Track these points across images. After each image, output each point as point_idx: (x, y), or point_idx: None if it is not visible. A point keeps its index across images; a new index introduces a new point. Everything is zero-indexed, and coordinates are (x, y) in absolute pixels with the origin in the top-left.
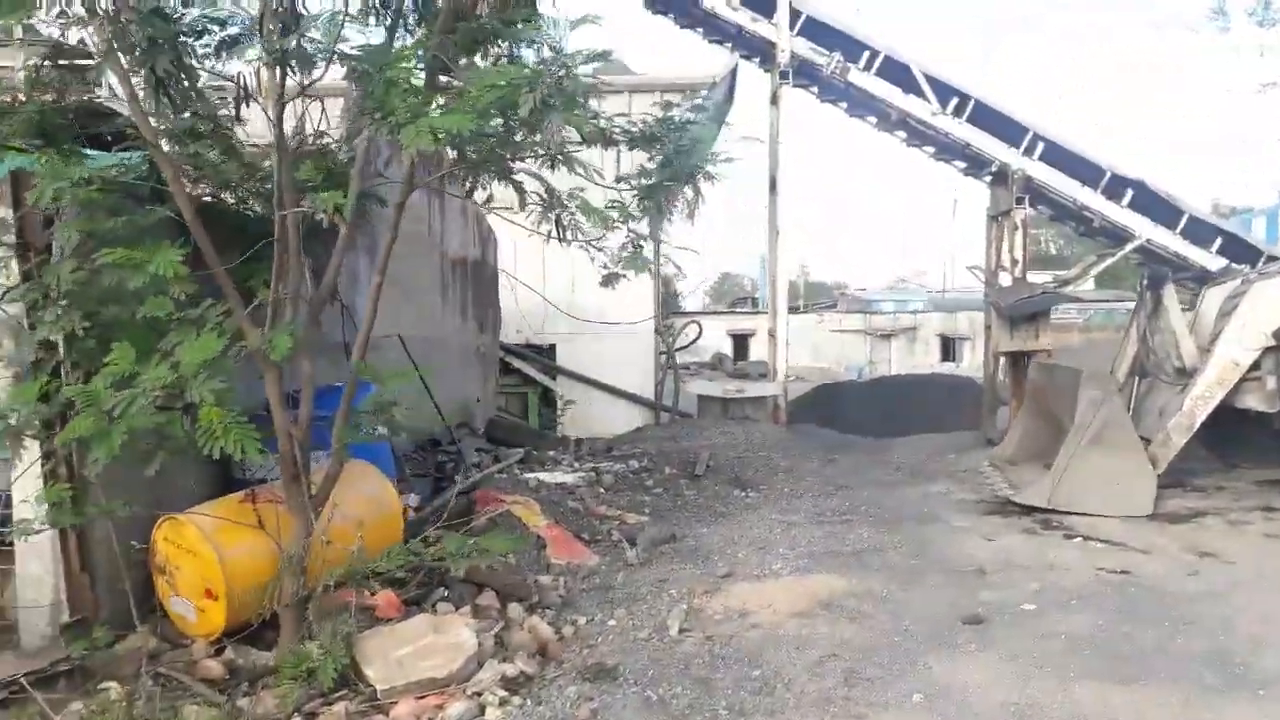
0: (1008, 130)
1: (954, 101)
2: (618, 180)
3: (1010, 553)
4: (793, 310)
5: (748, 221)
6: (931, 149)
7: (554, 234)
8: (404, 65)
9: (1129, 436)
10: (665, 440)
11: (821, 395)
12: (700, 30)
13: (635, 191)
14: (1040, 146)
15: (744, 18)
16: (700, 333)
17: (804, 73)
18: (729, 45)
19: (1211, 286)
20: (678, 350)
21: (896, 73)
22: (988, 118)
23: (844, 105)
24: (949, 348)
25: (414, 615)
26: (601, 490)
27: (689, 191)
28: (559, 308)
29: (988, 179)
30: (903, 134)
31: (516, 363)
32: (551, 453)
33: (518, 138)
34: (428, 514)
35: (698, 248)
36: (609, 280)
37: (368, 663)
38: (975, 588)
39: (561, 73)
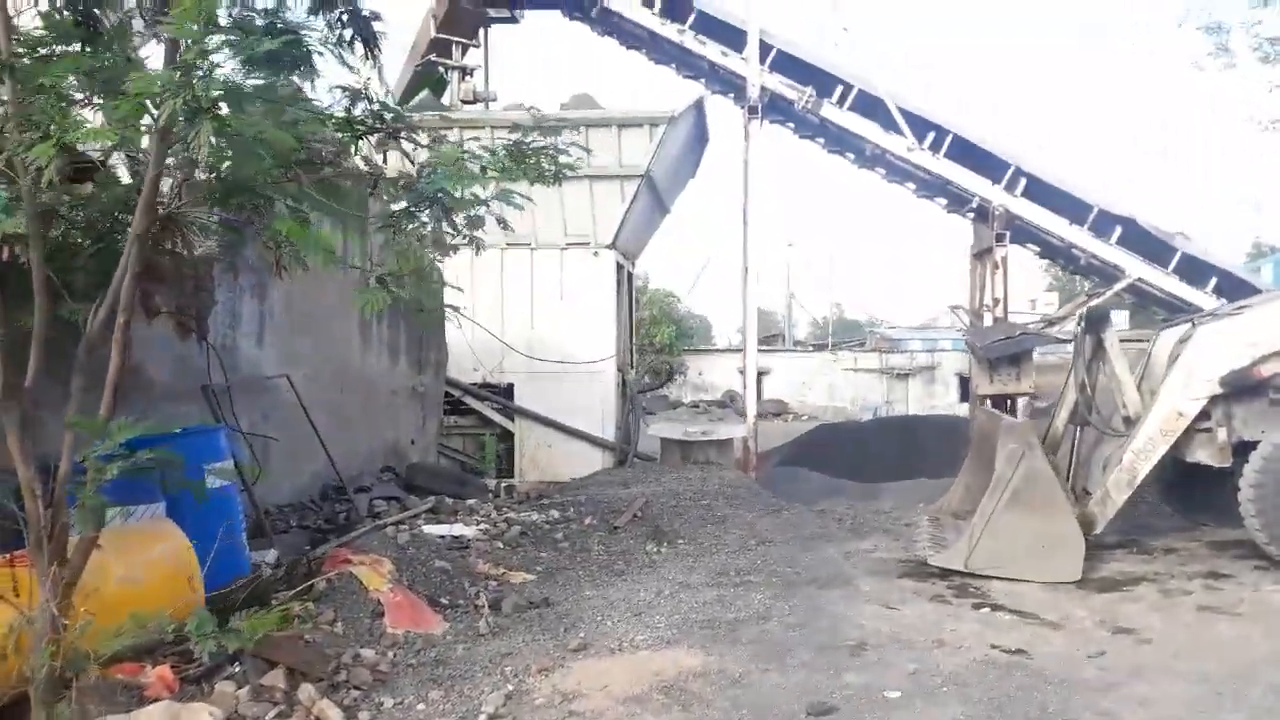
0: (989, 165)
1: (931, 135)
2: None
3: (903, 625)
4: (819, 348)
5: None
6: (913, 185)
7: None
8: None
9: (1053, 494)
10: (611, 486)
11: (820, 436)
12: (674, 66)
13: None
14: (1023, 181)
15: (713, 52)
16: (672, 372)
17: (778, 108)
18: (703, 81)
19: (1165, 328)
20: (648, 391)
21: (872, 107)
22: (967, 151)
23: (821, 141)
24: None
25: (190, 692)
26: (500, 545)
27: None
28: (513, 347)
29: (970, 216)
30: (882, 170)
31: (473, 403)
32: (472, 501)
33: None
34: (275, 576)
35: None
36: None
37: None
38: (843, 668)
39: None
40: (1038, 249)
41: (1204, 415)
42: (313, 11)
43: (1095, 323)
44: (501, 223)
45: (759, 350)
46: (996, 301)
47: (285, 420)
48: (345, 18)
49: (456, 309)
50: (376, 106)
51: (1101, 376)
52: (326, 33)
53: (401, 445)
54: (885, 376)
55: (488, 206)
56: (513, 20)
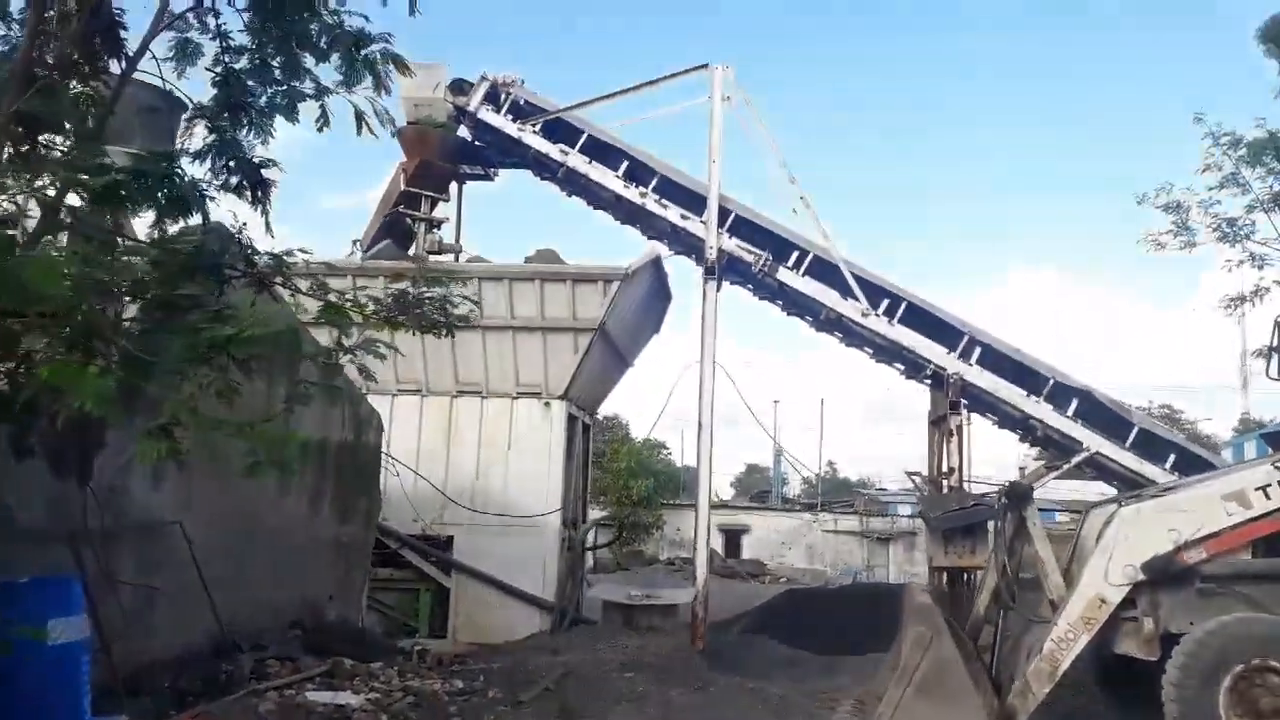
0: (944, 332)
1: (886, 302)
2: None
3: None
4: (808, 507)
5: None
6: (870, 350)
7: None
8: None
9: (962, 684)
10: (541, 652)
11: (787, 603)
12: (639, 226)
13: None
14: (977, 350)
15: (674, 215)
16: (623, 529)
17: (737, 270)
18: (665, 241)
19: (1094, 507)
20: (595, 549)
21: (829, 272)
22: (922, 319)
23: (780, 304)
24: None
25: None
26: (383, 717)
27: None
28: (449, 497)
29: (927, 383)
30: (840, 335)
31: (411, 556)
32: (378, 665)
33: None
34: None
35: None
36: None
37: None
38: None
39: None
40: (995, 419)
41: (1130, 603)
42: (198, 157)
43: (1017, 500)
44: (364, 372)
45: (740, 508)
46: (951, 471)
47: (179, 570)
48: (232, 163)
49: (392, 456)
50: (249, 251)
51: (1018, 560)
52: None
53: (318, 600)
54: (866, 540)
55: (346, 353)
56: (486, 178)
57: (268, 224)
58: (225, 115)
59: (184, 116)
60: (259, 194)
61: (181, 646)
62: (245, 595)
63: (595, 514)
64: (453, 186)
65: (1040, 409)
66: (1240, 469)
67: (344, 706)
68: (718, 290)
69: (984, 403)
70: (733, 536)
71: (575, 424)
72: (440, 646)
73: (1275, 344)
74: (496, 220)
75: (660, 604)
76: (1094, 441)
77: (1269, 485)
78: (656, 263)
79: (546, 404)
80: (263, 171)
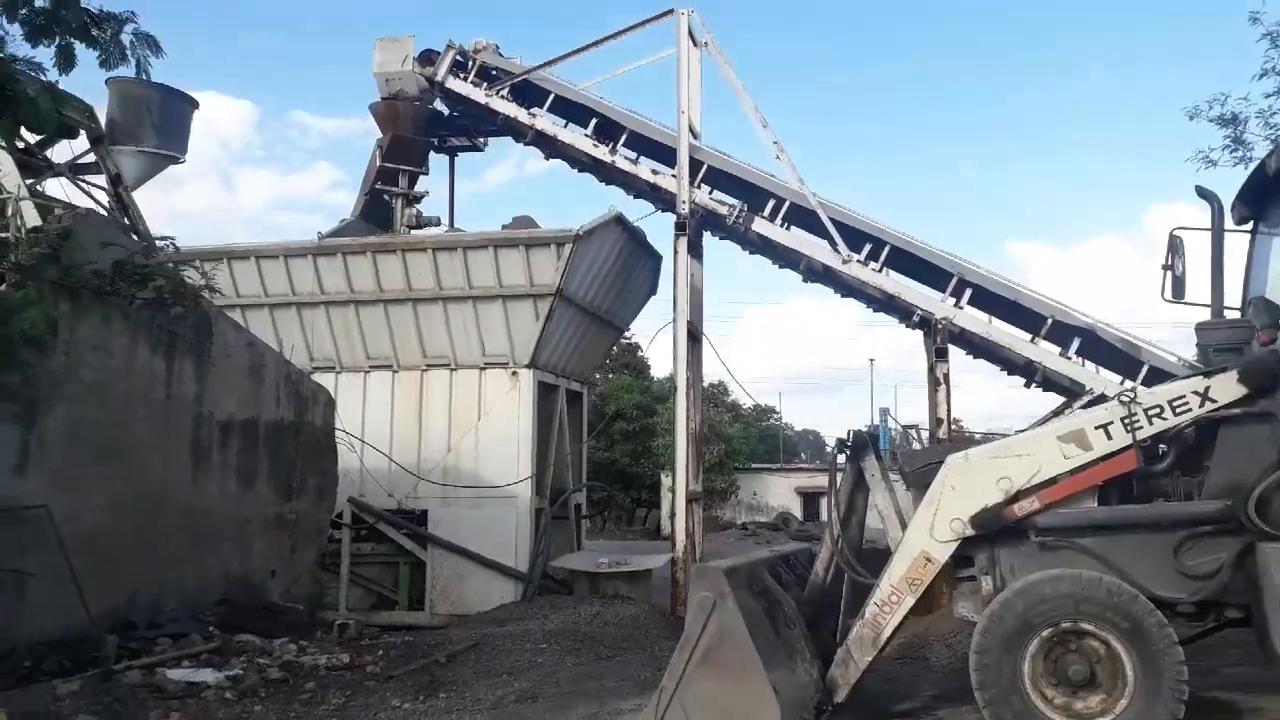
0: (933, 275)
1: (868, 247)
2: None
3: None
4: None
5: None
6: (864, 300)
7: None
8: None
9: (745, 655)
10: (488, 625)
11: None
12: (620, 186)
13: None
14: (968, 291)
15: (645, 171)
16: (608, 500)
17: (716, 224)
18: (647, 199)
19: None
20: (589, 517)
21: (808, 219)
22: (909, 263)
23: (770, 257)
24: None
25: None
26: (228, 695)
27: None
28: (411, 471)
29: (921, 330)
30: (831, 285)
31: (390, 531)
32: (283, 639)
33: None
34: None
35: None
36: None
37: None
38: None
39: None
40: (998, 364)
41: (966, 561)
42: None
43: (856, 450)
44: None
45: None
46: (940, 422)
47: (54, 553)
48: None
49: (347, 432)
50: None
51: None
52: None
53: (255, 578)
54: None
55: None
56: (475, 148)
57: None
58: None
59: None
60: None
61: (69, 628)
62: (152, 574)
63: None
64: (444, 159)
65: (1039, 350)
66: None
67: (196, 684)
68: (689, 248)
69: (979, 347)
70: (811, 499)
71: (556, 392)
72: (416, 619)
73: (1168, 262)
74: (535, 194)
75: (626, 571)
76: (1098, 383)
77: (1110, 423)
78: (620, 221)
79: (514, 373)
80: None
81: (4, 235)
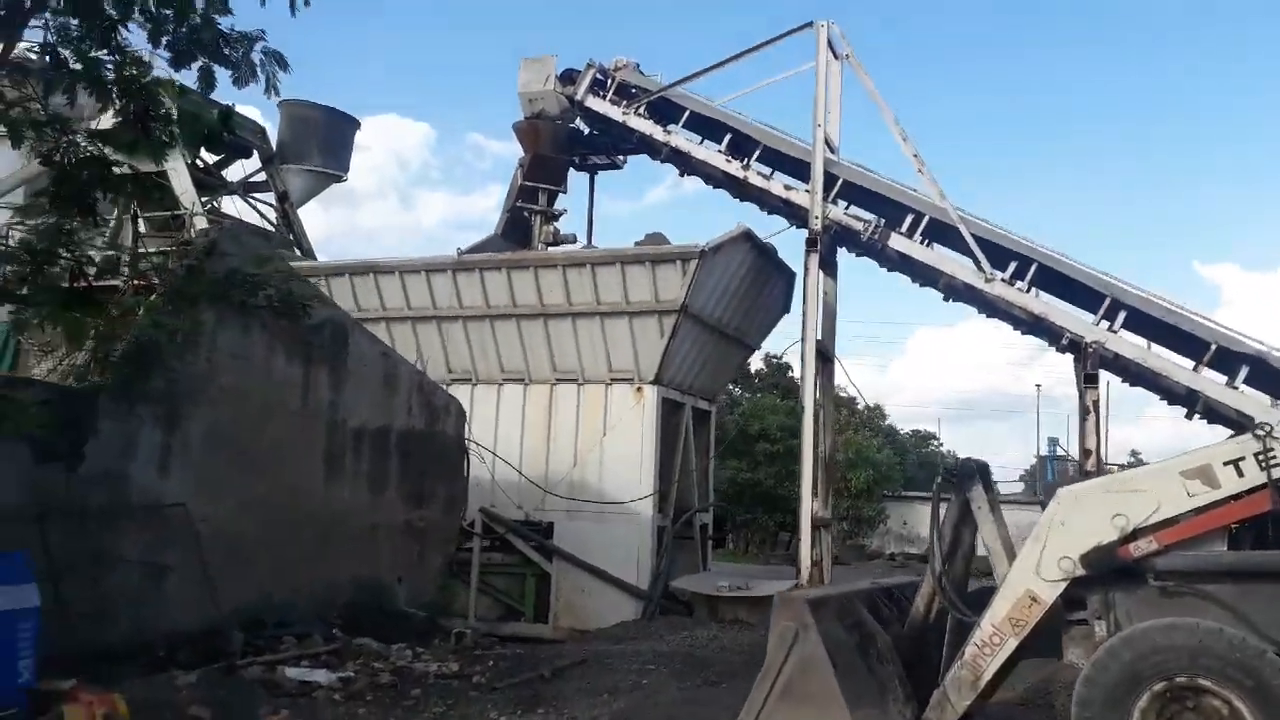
0: (1084, 297)
1: (1013, 265)
2: None
3: None
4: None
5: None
6: (1010, 321)
7: None
8: None
9: (828, 689)
10: (603, 641)
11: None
12: (754, 202)
13: None
14: (1122, 314)
15: (778, 186)
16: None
17: (851, 240)
18: (778, 215)
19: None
20: (714, 538)
21: (949, 236)
22: (1058, 283)
23: (908, 274)
24: None
25: None
26: (335, 696)
27: None
28: (537, 483)
29: (1068, 354)
30: (974, 305)
31: (517, 542)
32: (400, 645)
33: None
34: (9, 712)
35: None
36: None
37: None
38: None
39: None
40: (1159, 393)
41: (1079, 603)
42: None
43: (963, 480)
44: None
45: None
46: (1089, 453)
47: (192, 550)
48: None
49: (478, 443)
50: None
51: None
52: None
53: (382, 583)
54: None
55: None
56: (615, 166)
57: None
58: None
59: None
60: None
61: (194, 622)
62: (281, 575)
63: None
64: (584, 178)
65: (1201, 379)
66: None
67: (310, 684)
68: (822, 265)
69: (1136, 374)
70: None
71: (682, 410)
72: (540, 631)
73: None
74: (692, 212)
75: (749, 596)
76: (1272, 416)
77: (1242, 459)
78: (749, 237)
79: (639, 389)
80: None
81: (166, 249)
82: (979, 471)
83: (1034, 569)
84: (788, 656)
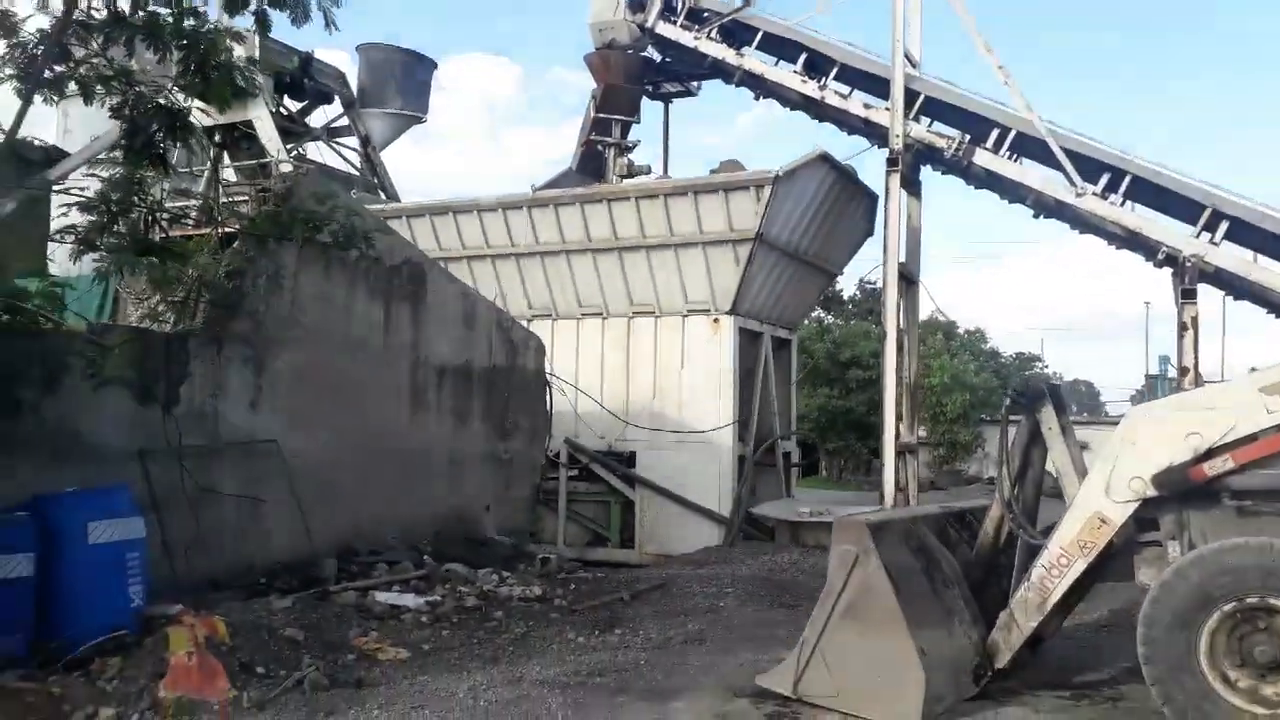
0: (1183, 208)
1: (1106, 178)
2: None
3: None
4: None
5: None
6: (1105, 236)
7: None
8: None
9: (889, 611)
10: (684, 565)
11: None
12: (833, 123)
13: None
14: (1224, 225)
15: (856, 105)
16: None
17: (934, 158)
18: (858, 136)
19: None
20: (798, 465)
21: (1038, 150)
22: (1154, 194)
23: (996, 191)
24: None
25: None
26: (424, 619)
27: None
28: (616, 414)
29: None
30: (1066, 221)
31: (601, 471)
32: (487, 570)
33: None
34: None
35: None
36: None
37: None
38: None
39: None
40: (1264, 307)
41: (1150, 524)
42: None
43: (1031, 400)
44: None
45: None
46: (1186, 371)
47: (284, 484)
48: None
49: (558, 377)
50: None
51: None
52: None
53: (470, 512)
54: None
55: None
56: (689, 93)
57: None
58: None
59: None
60: None
61: (289, 551)
62: (371, 506)
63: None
64: (658, 106)
65: None
66: None
67: (399, 607)
68: (905, 184)
69: (1240, 289)
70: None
71: (761, 339)
72: (626, 557)
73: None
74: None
75: (827, 521)
76: None
77: None
78: (826, 160)
79: (715, 320)
80: None
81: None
82: (1049, 392)
83: (1103, 490)
84: (848, 580)
